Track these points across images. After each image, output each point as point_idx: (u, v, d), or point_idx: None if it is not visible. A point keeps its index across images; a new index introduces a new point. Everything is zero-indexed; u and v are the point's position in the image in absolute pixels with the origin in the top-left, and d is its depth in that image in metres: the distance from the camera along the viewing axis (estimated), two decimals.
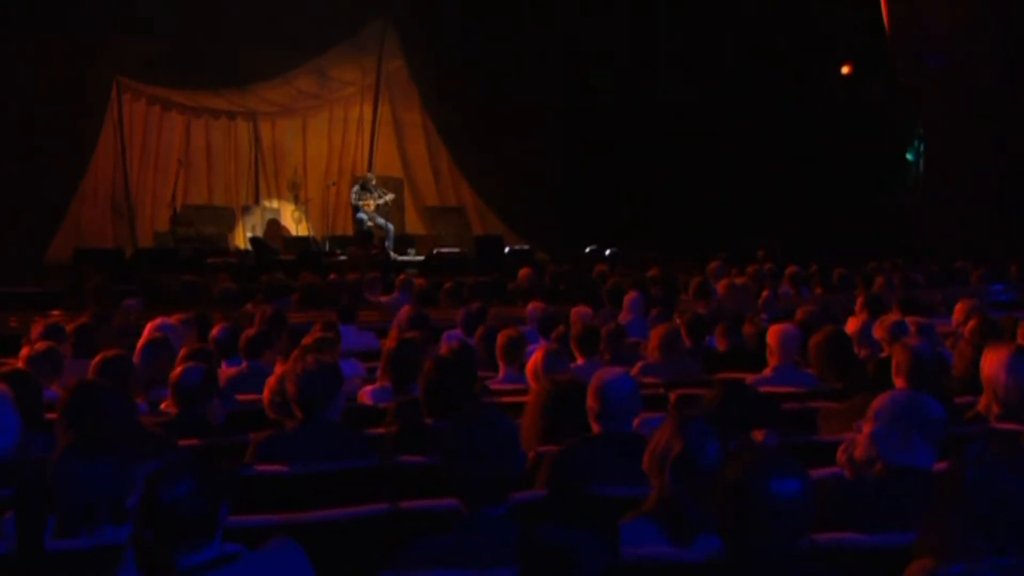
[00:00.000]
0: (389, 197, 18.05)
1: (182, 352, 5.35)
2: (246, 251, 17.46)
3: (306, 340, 6.08)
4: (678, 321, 10.54)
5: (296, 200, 19.17)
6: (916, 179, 20.65)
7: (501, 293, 11.62)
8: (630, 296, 9.12)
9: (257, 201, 19.24)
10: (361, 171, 19.89)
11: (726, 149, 18.68)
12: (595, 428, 3.56)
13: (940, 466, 3.04)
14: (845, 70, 19.66)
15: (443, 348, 5.24)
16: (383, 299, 10.78)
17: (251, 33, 17.40)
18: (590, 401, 3.55)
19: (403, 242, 18.32)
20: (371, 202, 17.75)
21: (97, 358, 5.08)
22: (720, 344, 6.97)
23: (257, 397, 5.65)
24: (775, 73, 18.67)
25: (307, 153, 19.67)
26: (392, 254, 17.07)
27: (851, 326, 6.90)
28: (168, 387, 5.53)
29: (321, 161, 19.76)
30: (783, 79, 18.68)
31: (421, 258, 17.16)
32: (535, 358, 4.97)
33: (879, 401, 3.04)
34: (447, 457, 2.69)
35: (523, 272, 12.86)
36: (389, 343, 5.63)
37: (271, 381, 4.61)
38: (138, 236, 17.52)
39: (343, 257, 16.70)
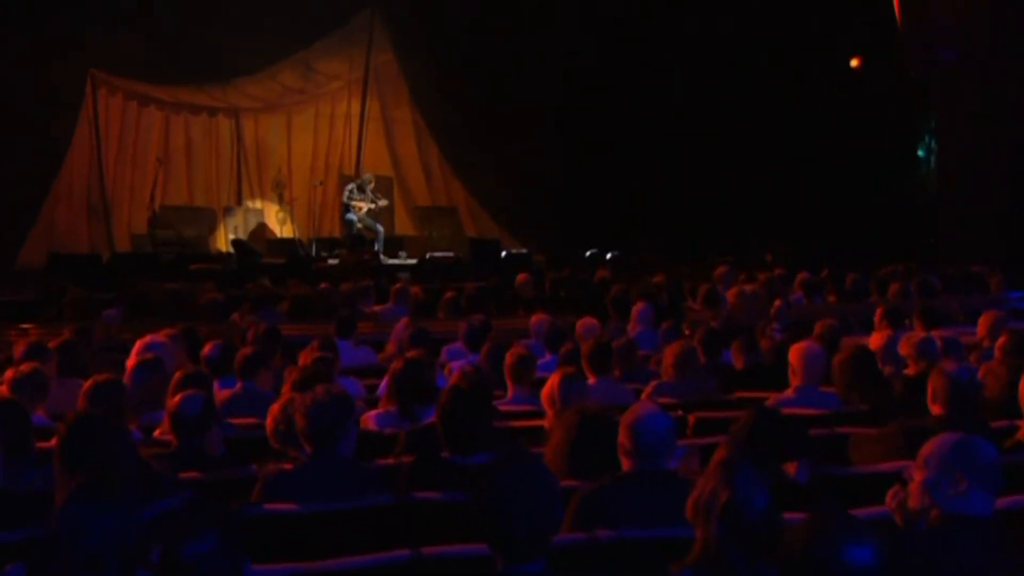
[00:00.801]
0: (383, 203, 17.99)
1: (176, 376, 5.31)
2: (228, 254, 17.39)
3: (304, 360, 6.04)
4: (687, 332, 10.60)
5: (280, 200, 19.08)
6: (927, 177, 20.70)
7: (501, 301, 11.58)
8: (638, 307, 9.12)
9: (239, 201, 19.15)
10: (348, 169, 19.82)
11: (728, 148, 18.67)
12: (626, 464, 3.53)
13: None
14: (854, 63, 19.67)
15: (455, 376, 5.17)
16: (377, 309, 10.73)
17: (233, 25, 17.27)
18: (622, 437, 3.52)
19: (393, 244, 18.26)
20: (363, 205, 17.68)
21: (88, 384, 5.04)
22: (737, 361, 6.96)
23: (255, 421, 5.63)
24: (779, 68, 18.67)
25: (292, 151, 19.57)
26: (382, 257, 17.01)
27: (875, 342, 6.88)
28: (161, 410, 5.55)
29: (306, 159, 19.67)
30: (788, 74, 18.68)
31: (413, 261, 17.11)
32: (552, 383, 4.94)
33: (929, 447, 3.01)
34: (483, 508, 2.65)
35: (520, 277, 12.81)
36: (395, 364, 5.59)
37: (275, 409, 4.57)
38: (115, 238, 17.41)
39: (332, 261, 16.65)
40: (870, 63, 19.43)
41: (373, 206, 17.84)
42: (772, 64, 18.69)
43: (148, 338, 6.52)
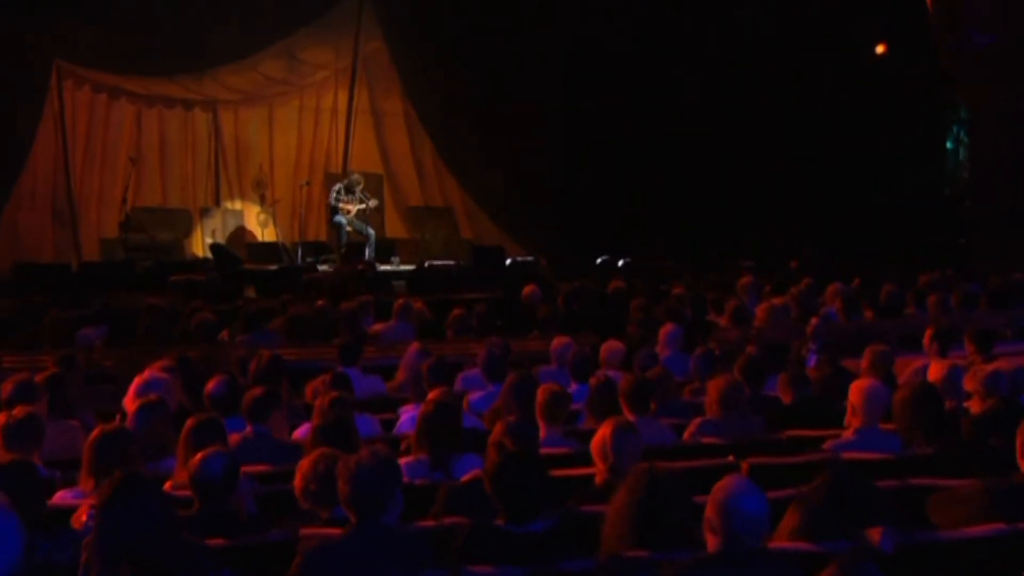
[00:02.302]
0: (373, 204, 17.90)
1: (188, 425, 5.23)
2: (205, 259, 17.33)
3: (319, 401, 5.97)
4: (715, 350, 10.56)
5: (262, 201, 19.03)
6: (955, 171, 20.76)
7: (511, 318, 11.52)
8: (667, 329, 9.10)
9: (217, 202, 19.09)
10: (335, 167, 19.75)
11: (743, 145, 18.66)
12: (712, 543, 3.49)
13: None
14: (879, 50, 19.68)
15: (497, 431, 5.08)
16: (378, 328, 10.67)
17: (210, 10, 17.27)
18: (711, 514, 3.48)
19: (384, 248, 18.18)
20: (352, 207, 17.59)
21: (95, 434, 4.98)
22: (784, 395, 6.93)
23: (269, 469, 5.58)
24: (798, 57, 18.67)
25: (274, 147, 19.53)
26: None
27: (934, 372, 6.87)
28: (168, 456, 5.51)
29: (290, 156, 19.65)
30: (806, 63, 18.68)
31: (407, 268, 17.08)
32: (604, 435, 4.88)
33: None
34: None
35: (528, 289, 12.77)
36: (424, 408, 5.54)
37: (304, 466, 4.52)
38: (82, 244, 17.28)
39: (322, 267, 16.61)
40: (896, 50, 19.44)
41: (363, 207, 17.75)
42: (790, 53, 18.69)
43: (147, 374, 6.45)
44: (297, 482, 4.54)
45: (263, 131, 19.53)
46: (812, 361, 9.72)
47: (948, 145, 20.80)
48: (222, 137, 19.13)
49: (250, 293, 14.15)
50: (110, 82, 18.02)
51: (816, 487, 4.14)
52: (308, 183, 18.56)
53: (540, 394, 6.25)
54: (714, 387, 6.53)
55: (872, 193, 18.80)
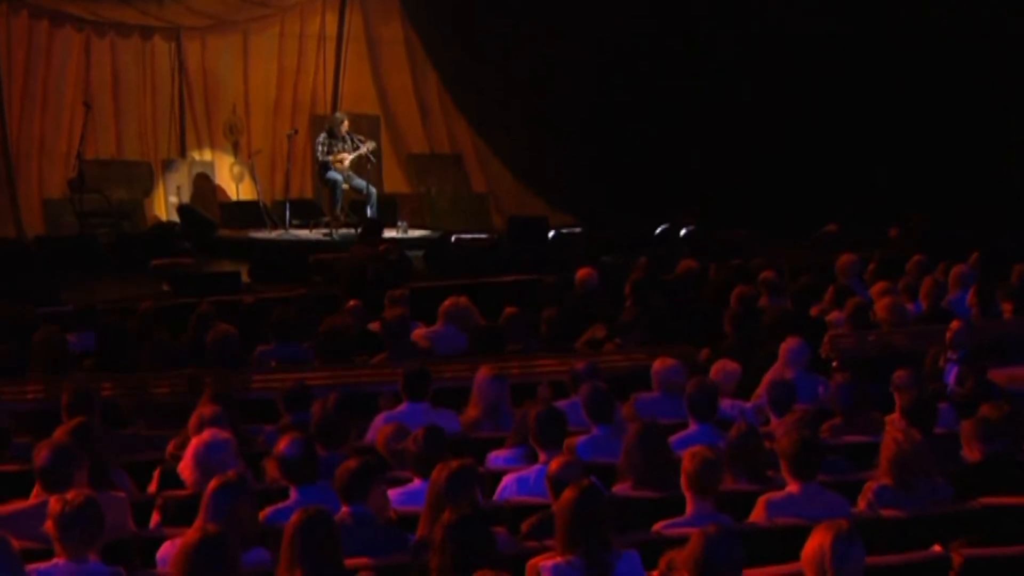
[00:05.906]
0: (370, 147, 17.63)
1: (294, 522, 5.12)
2: (171, 224, 17.23)
3: (436, 475, 5.82)
4: (824, 355, 10.52)
5: (236, 150, 18.87)
6: None
7: (569, 313, 11.34)
8: (790, 344, 8.99)
9: (183, 153, 18.89)
10: (323, 107, 19.57)
11: (826, 84, 18.45)
12: None
13: None
14: None
15: (694, 547, 4.90)
16: (420, 333, 10.51)
17: None
18: None
19: (387, 210, 17.99)
20: (346, 156, 17.36)
21: (193, 540, 4.80)
22: (971, 451, 6.83)
23: (379, 564, 5.49)
24: None
25: (249, 84, 19.30)
26: None
27: None
28: (256, 547, 5.43)
29: (269, 95, 19.45)
30: None
31: (418, 234, 16.97)
32: (819, 546, 4.73)
33: None
34: None
35: (582, 273, 12.52)
36: (568, 495, 5.37)
37: None
38: (21, 208, 17.07)
39: (319, 233, 16.58)
40: None
41: (359, 153, 17.45)
42: None
43: (207, 435, 6.32)
44: None
45: (236, 64, 19.26)
46: (952, 375, 9.69)
47: None
48: (187, 72, 18.83)
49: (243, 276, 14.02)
50: (52, 5, 17.72)
51: None
52: (296, 132, 18.28)
53: (687, 462, 6.11)
54: (890, 448, 6.33)
55: (985, 148, 18.44)
